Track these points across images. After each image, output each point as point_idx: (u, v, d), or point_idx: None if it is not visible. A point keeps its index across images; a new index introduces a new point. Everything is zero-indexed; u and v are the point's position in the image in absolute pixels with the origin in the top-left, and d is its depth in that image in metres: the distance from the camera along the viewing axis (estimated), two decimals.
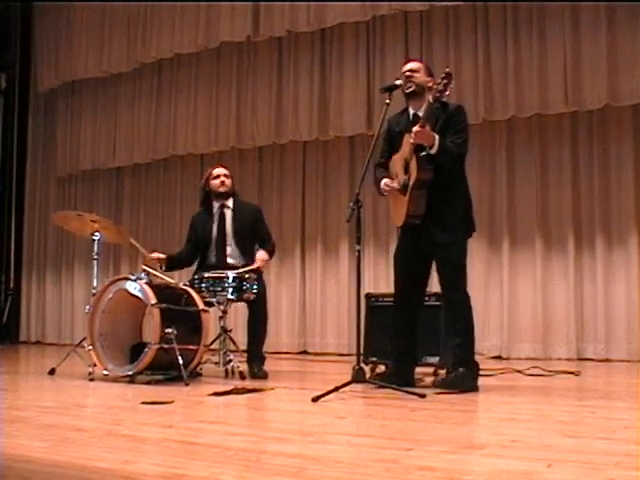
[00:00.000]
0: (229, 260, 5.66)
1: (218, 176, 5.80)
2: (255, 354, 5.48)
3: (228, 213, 5.79)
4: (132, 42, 9.58)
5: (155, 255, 5.60)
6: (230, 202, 5.83)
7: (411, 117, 4.60)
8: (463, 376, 4.33)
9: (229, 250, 5.70)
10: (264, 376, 5.30)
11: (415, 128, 4.29)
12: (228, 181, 5.80)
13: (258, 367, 5.37)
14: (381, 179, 4.64)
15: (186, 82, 9.56)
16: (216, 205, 5.82)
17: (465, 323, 4.46)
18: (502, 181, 7.81)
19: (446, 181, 4.44)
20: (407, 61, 4.85)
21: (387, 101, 4.46)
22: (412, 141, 4.34)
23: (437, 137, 4.32)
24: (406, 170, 4.46)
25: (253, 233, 5.77)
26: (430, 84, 4.52)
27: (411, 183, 4.39)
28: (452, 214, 4.49)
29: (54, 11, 10.52)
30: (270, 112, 8.84)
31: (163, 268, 5.56)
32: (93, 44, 9.91)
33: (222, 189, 5.77)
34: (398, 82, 4.54)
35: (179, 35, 9.14)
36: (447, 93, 4.24)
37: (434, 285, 4.98)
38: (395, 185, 4.54)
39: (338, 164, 8.77)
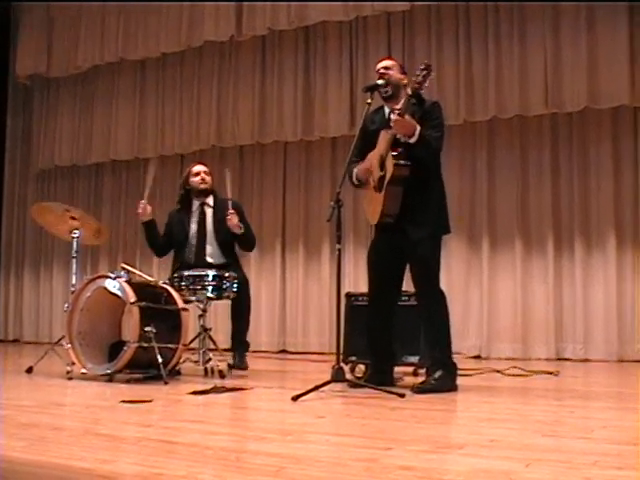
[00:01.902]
0: (208, 259, 5.63)
1: (198, 173, 5.75)
2: (239, 341, 5.49)
3: (209, 211, 5.75)
4: (111, 39, 9.51)
5: (149, 208, 5.62)
6: (210, 200, 5.79)
7: (387, 115, 4.57)
8: (440, 378, 4.31)
9: (209, 249, 5.67)
10: (244, 367, 5.31)
11: (394, 117, 4.28)
12: (208, 178, 5.77)
13: (240, 358, 5.40)
14: (353, 170, 4.60)
15: (168, 80, 9.53)
16: (196, 203, 5.78)
17: (441, 323, 4.44)
18: (482, 182, 7.85)
19: (422, 177, 4.40)
20: (382, 59, 4.84)
21: (368, 101, 4.45)
22: (391, 132, 4.32)
23: (418, 127, 4.29)
24: (382, 167, 4.43)
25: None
26: (405, 82, 4.51)
27: (387, 179, 4.36)
28: (426, 212, 4.44)
29: (34, 6, 10.42)
30: (253, 112, 8.82)
31: (144, 220, 5.61)
32: (71, 39, 9.84)
33: (203, 186, 5.73)
34: (380, 82, 4.53)
35: (165, 34, 9.10)
36: (426, 85, 4.25)
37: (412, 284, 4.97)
38: (367, 164, 4.51)
39: (320, 164, 8.78)
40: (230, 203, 5.62)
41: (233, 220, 5.50)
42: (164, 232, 5.88)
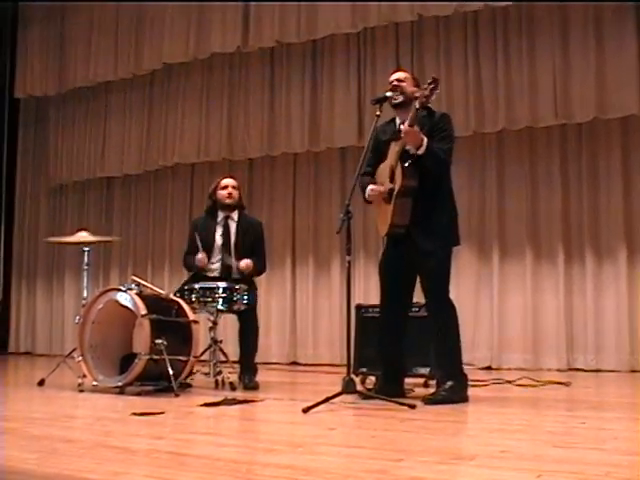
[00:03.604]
0: (234, 276, 5.58)
1: (226, 187, 5.74)
2: (247, 365, 5.46)
3: (232, 225, 5.73)
4: (122, 52, 9.56)
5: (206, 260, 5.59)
6: (235, 215, 5.77)
7: (398, 126, 4.60)
8: (451, 389, 4.31)
9: (233, 265, 5.63)
10: (255, 387, 5.29)
11: (404, 126, 4.30)
12: (235, 193, 5.75)
13: (249, 378, 5.36)
14: (367, 185, 4.61)
15: (177, 93, 9.56)
16: (221, 215, 5.76)
17: (451, 334, 4.45)
18: (492, 193, 7.83)
19: (432, 189, 4.43)
20: (395, 71, 4.87)
21: (377, 113, 4.48)
22: (401, 142, 4.34)
23: (425, 139, 4.32)
24: (392, 178, 4.46)
25: (253, 249, 5.69)
26: (417, 94, 4.54)
27: (396, 190, 4.39)
28: (437, 223, 4.46)
29: (45, 20, 10.50)
30: (262, 124, 8.84)
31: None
32: (83, 53, 9.88)
33: (228, 201, 5.71)
34: (388, 94, 4.56)
35: (170, 46, 9.13)
36: (433, 98, 4.27)
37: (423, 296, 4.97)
38: (381, 189, 4.53)
39: (329, 176, 8.78)
40: (253, 222, 5.81)
41: (244, 267, 5.54)
42: (190, 248, 5.74)
